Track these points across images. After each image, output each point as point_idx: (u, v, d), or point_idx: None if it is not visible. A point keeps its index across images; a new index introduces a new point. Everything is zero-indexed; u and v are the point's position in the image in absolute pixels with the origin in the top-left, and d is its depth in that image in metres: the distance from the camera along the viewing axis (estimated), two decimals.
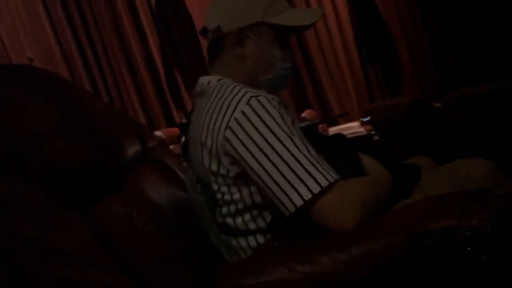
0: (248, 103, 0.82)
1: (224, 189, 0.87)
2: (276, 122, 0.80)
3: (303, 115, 3.78)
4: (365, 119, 3.83)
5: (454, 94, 2.44)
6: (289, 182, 0.77)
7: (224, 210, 0.89)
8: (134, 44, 4.31)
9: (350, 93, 4.56)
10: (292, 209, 0.77)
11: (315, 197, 0.76)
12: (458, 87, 2.54)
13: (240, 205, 0.87)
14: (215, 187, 0.88)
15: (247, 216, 0.88)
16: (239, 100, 0.83)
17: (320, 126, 3.62)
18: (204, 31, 1.01)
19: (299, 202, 0.76)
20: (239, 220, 0.88)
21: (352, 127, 3.84)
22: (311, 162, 0.78)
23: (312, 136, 1.06)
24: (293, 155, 0.78)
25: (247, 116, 0.81)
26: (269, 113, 0.80)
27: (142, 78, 4.37)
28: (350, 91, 4.56)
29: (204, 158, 0.87)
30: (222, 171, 0.86)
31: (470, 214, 0.52)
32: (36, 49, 3.96)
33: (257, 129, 0.80)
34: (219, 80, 0.95)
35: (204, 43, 4.26)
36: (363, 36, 4.63)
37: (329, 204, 0.77)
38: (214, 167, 0.86)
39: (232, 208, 0.88)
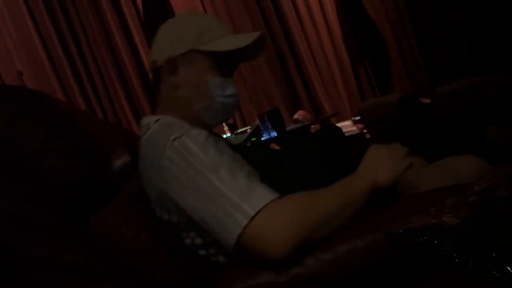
0: (170, 147, 0.82)
1: (183, 234, 0.87)
2: (198, 161, 0.79)
3: (295, 116, 3.80)
4: (356, 118, 3.86)
5: (441, 89, 2.47)
6: (219, 220, 0.75)
7: (192, 246, 0.88)
8: (124, 54, 4.31)
9: (341, 93, 4.59)
10: (230, 247, 0.74)
11: (246, 229, 0.72)
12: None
13: (200, 241, 0.87)
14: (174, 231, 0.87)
15: (213, 250, 0.87)
16: (164, 146, 0.82)
17: (312, 127, 3.65)
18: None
19: (232, 240, 0.73)
20: (209, 250, 0.87)
21: (345, 126, 3.86)
22: (234, 194, 0.75)
23: (303, 137, 1.08)
24: (217, 191, 0.76)
25: (171, 161, 0.80)
26: (190, 153, 0.80)
27: (134, 87, 4.37)
28: (341, 90, 4.59)
29: (155, 210, 0.87)
30: (173, 219, 0.86)
31: (445, 211, 0.54)
32: (25, 62, 3.96)
33: (182, 172, 0.79)
34: (156, 121, 0.94)
35: None
36: (351, 36, 4.66)
37: (257, 231, 0.72)
38: (165, 217, 0.86)
39: (197, 243, 0.87)
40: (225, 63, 0.98)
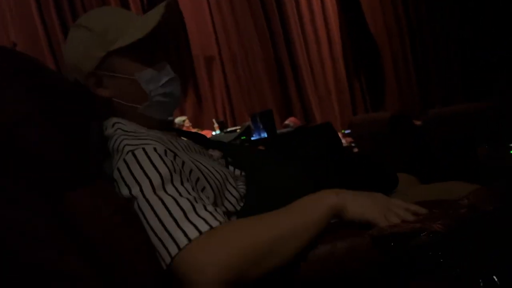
0: (124, 159, 0.78)
1: None
2: (147, 176, 0.74)
3: (286, 122, 3.82)
4: (346, 131, 3.88)
5: (433, 111, 2.50)
6: (159, 239, 0.70)
7: None
8: None
9: (333, 104, 4.62)
10: (165, 266, 0.69)
11: (179, 253, 0.67)
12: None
13: None
14: None
15: None
16: (118, 159, 0.79)
17: None
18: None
19: (167, 260, 0.69)
20: None
21: None
22: (173, 218, 0.70)
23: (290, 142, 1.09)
24: (160, 210, 0.71)
25: (121, 174, 0.77)
26: (141, 167, 0.76)
27: None
28: (334, 102, 4.62)
29: None
30: None
31: (432, 220, 0.54)
32: (21, 33, 3.89)
33: (128, 187, 0.75)
34: (114, 124, 0.89)
35: (198, 60, 4.31)
36: (351, 50, 4.71)
37: (190, 257, 0.67)
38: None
39: None
40: (146, 51, 0.90)
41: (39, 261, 0.66)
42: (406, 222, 0.56)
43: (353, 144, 3.59)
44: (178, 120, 3.74)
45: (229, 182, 0.90)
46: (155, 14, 0.88)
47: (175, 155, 0.82)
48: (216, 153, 1.06)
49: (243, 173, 1.00)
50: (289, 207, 0.73)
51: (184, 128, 3.60)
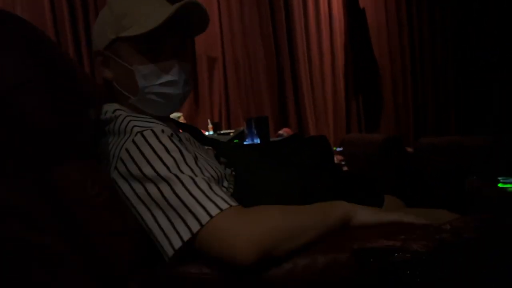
0: (133, 140, 0.77)
1: None
2: (159, 157, 0.75)
3: (280, 132, 3.83)
4: (338, 149, 3.90)
5: (425, 139, 2.53)
6: (169, 222, 0.70)
7: None
8: None
9: (329, 120, 4.64)
10: (170, 251, 0.70)
11: (204, 229, 0.68)
12: None
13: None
14: None
15: None
16: (127, 139, 0.79)
17: None
18: None
19: (177, 244, 0.69)
20: None
21: None
22: (193, 197, 0.71)
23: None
24: (174, 192, 0.71)
25: (130, 153, 0.76)
26: (152, 148, 0.75)
27: None
28: (329, 118, 4.65)
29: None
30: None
31: (414, 240, 0.54)
32: (27, 12, 3.87)
33: (139, 167, 0.74)
34: (115, 110, 0.89)
35: (201, 60, 4.31)
36: (352, 69, 4.75)
37: (216, 232, 0.68)
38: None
39: None
40: (156, 45, 0.87)
41: (17, 236, 0.65)
42: (388, 239, 0.56)
43: (343, 163, 3.60)
44: (173, 115, 3.73)
45: (222, 184, 0.90)
46: (170, 9, 0.84)
47: (180, 139, 0.83)
48: (210, 150, 1.06)
49: (233, 173, 1.00)
50: (309, 206, 0.77)
51: None
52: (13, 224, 0.64)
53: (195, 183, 0.73)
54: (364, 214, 0.76)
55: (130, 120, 0.83)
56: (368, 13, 4.76)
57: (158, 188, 0.73)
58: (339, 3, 4.67)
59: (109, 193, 0.75)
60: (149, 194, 0.73)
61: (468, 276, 0.48)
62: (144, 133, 0.78)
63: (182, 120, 3.81)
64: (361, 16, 4.76)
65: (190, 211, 0.70)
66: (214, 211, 0.69)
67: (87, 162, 0.77)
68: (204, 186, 0.73)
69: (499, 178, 0.66)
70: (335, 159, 3.79)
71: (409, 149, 3.03)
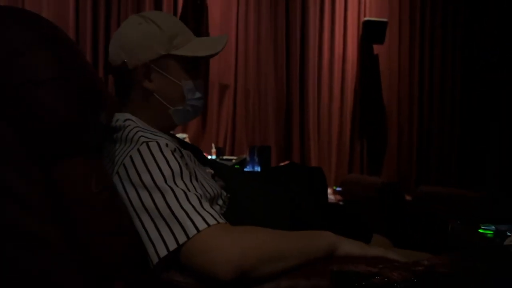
0: (138, 149, 0.83)
1: None
2: (158, 167, 0.80)
3: (282, 164, 3.84)
4: (337, 189, 3.91)
5: (424, 188, 2.55)
6: (157, 231, 0.75)
7: None
8: None
9: (331, 159, 4.67)
10: (155, 259, 0.75)
11: (190, 241, 0.73)
12: None
13: None
14: None
15: None
16: (132, 147, 0.84)
17: None
18: (109, 67, 1.01)
19: (163, 252, 0.74)
20: None
21: None
22: (183, 209, 0.75)
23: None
24: (166, 202, 0.76)
25: (133, 160, 0.81)
26: (154, 158, 0.81)
27: None
28: (333, 157, 4.68)
29: None
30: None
31: (391, 269, 0.57)
32: (51, 13, 4.01)
33: (138, 174, 0.80)
34: (126, 120, 0.95)
35: (213, 86, 4.41)
36: (360, 110, 4.82)
37: (202, 245, 0.72)
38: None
39: None
40: (195, 66, 1.01)
41: (14, 223, 0.67)
42: (367, 267, 0.59)
43: (341, 203, 3.60)
44: (178, 135, 3.78)
45: (217, 202, 0.94)
46: (220, 43, 1.00)
47: (182, 155, 0.89)
48: (209, 171, 1.10)
49: (228, 195, 1.03)
50: (296, 232, 0.80)
51: None
52: (14, 209, 0.66)
53: (187, 197, 0.77)
54: (349, 246, 0.79)
55: (138, 131, 0.89)
56: (381, 60, 4.88)
57: (152, 197, 0.77)
58: (354, 47, 4.80)
59: (109, 193, 0.78)
60: (142, 201, 0.78)
61: None
62: (149, 143, 0.84)
63: (187, 140, 3.86)
64: (374, 61, 4.87)
65: (179, 222, 0.74)
66: (202, 225, 0.73)
67: (94, 161, 0.81)
68: (195, 201, 0.77)
69: (481, 225, 0.69)
70: (333, 198, 3.80)
71: (408, 197, 3.04)
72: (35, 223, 0.67)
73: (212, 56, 1.00)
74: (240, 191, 1.02)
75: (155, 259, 0.74)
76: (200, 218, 0.74)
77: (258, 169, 2.77)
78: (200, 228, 0.73)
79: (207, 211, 0.76)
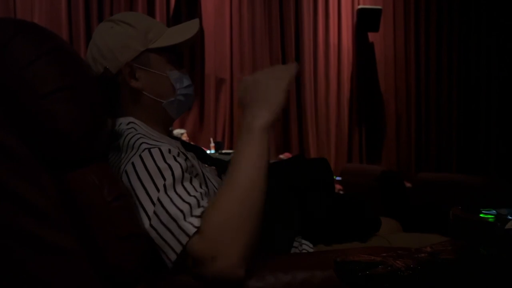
0: (140, 155, 0.82)
1: None
2: (162, 175, 0.79)
3: (281, 156, 3.87)
4: (337, 178, 3.92)
5: (424, 175, 2.56)
6: (160, 236, 0.75)
7: None
8: None
9: (331, 149, 4.68)
10: (169, 264, 0.75)
11: (187, 246, 0.73)
12: None
13: None
14: None
15: None
16: (134, 154, 0.84)
17: None
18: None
19: (173, 257, 0.74)
20: None
21: None
22: (181, 213, 0.75)
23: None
24: (165, 209, 0.76)
25: (135, 168, 0.81)
26: (157, 165, 0.80)
27: None
28: (332, 147, 4.69)
29: None
30: None
31: (394, 257, 0.57)
32: (44, 15, 3.99)
33: (140, 180, 0.80)
34: (129, 123, 0.95)
35: (209, 79, 4.41)
36: (357, 100, 4.82)
37: (199, 255, 0.72)
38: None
39: None
40: (176, 55, 1.01)
41: (31, 234, 0.66)
42: (370, 255, 0.59)
43: (341, 192, 3.62)
44: (176, 131, 3.78)
45: None
46: (194, 26, 1.00)
47: (186, 157, 0.88)
48: (212, 169, 1.09)
49: None
50: (234, 164, 0.79)
51: None
52: (29, 221, 0.66)
53: (183, 201, 0.77)
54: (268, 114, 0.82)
55: (140, 137, 0.88)
56: (376, 48, 4.87)
57: (153, 204, 0.77)
58: (348, 35, 4.79)
59: (123, 200, 0.77)
60: (144, 209, 0.78)
61: None
62: (151, 150, 0.83)
63: (185, 136, 3.85)
64: (369, 49, 4.86)
65: (179, 227, 0.74)
66: (184, 240, 0.73)
67: (105, 168, 0.81)
68: (193, 202, 0.77)
69: (482, 210, 0.69)
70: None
71: (408, 184, 3.05)
72: (51, 233, 0.67)
73: (189, 41, 1.00)
74: None
75: (169, 264, 0.75)
76: (182, 233, 0.74)
77: None
78: (184, 242, 0.73)
79: (188, 221, 0.75)
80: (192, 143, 1.31)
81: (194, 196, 0.78)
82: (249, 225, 0.74)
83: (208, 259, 0.71)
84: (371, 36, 4.82)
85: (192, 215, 0.74)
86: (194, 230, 0.73)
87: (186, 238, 0.73)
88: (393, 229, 1.28)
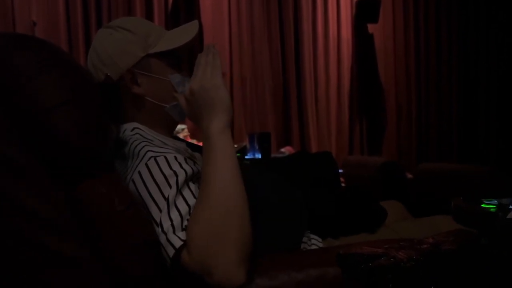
0: (146, 164, 0.83)
1: None
2: (168, 183, 0.79)
3: (282, 149, 3.86)
4: (339, 171, 3.92)
5: (425, 165, 2.56)
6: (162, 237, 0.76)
7: None
8: None
9: (332, 142, 4.67)
10: (168, 261, 0.76)
11: (181, 251, 0.74)
12: None
13: None
14: None
15: None
16: (139, 162, 0.84)
17: None
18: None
19: (171, 253, 0.75)
20: None
21: None
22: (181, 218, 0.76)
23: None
24: (164, 220, 0.77)
25: (142, 176, 0.82)
26: (163, 173, 0.80)
27: None
28: (333, 140, 4.68)
29: None
30: None
31: (397, 248, 0.57)
32: (42, 13, 3.96)
33: (147, 188, 0.80)
34: (133, 129, 0.95)
35: None
36: (358, 92, 4.81)
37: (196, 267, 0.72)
38: None
39: None
40: (177, 59, 1.01)
41: (44, 246, 0.66)
42: (372, 248, 0.59)
43: (343, 184, 3.62)
44: (177, 127, 3.76)
45: None
46: (192, 29, 1.00)
47: (195, 162, 0.88)
48: None
49: None
50: (203, 174, 0.79)
51: (181, 136, 3.63)
52: (41, 233, 0.66)
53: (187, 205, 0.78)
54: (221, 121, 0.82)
55: (145, 145, 0.88)
56: (376, 39, 4.84)
57: (160, 209, 0.78)
58: (348, 26, 4.76)
59: (133, 209, 0.78)
60: (151, 213, 0.79)
61: (448, 285, 0.51)
62: (157, 158, 0.83)
63: (186, 131, 3.85)
64: (369, 41, 4.84)
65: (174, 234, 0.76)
66: (171, 253, 0.74)
67: (113, 178, 0.81)
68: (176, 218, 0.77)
69: (483, 200, 0.69)
70: None
71: (409, 175, 3.05)
72: (64, 244, 0.68)
73: (189, 43, 0.99)
74: (250, 191, 1.03)
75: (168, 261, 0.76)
76: (169, 245, 0.75)
77: (259, 156, 2.78)
78: (171, 255, 0.75)
79: (176, 234, 0.75)
80: (194, 140, 1.31)
81: (189, 206, 0.78)
82: (235, 227, 0.73)
83: (203, 273, 0.71)
84: (371, 27, 4.80)
85: (182, 229, 0.75)
86: (181, 243, 0.73)
87: (173, 250, 0.73)
88: (398, 213, 1.29)
